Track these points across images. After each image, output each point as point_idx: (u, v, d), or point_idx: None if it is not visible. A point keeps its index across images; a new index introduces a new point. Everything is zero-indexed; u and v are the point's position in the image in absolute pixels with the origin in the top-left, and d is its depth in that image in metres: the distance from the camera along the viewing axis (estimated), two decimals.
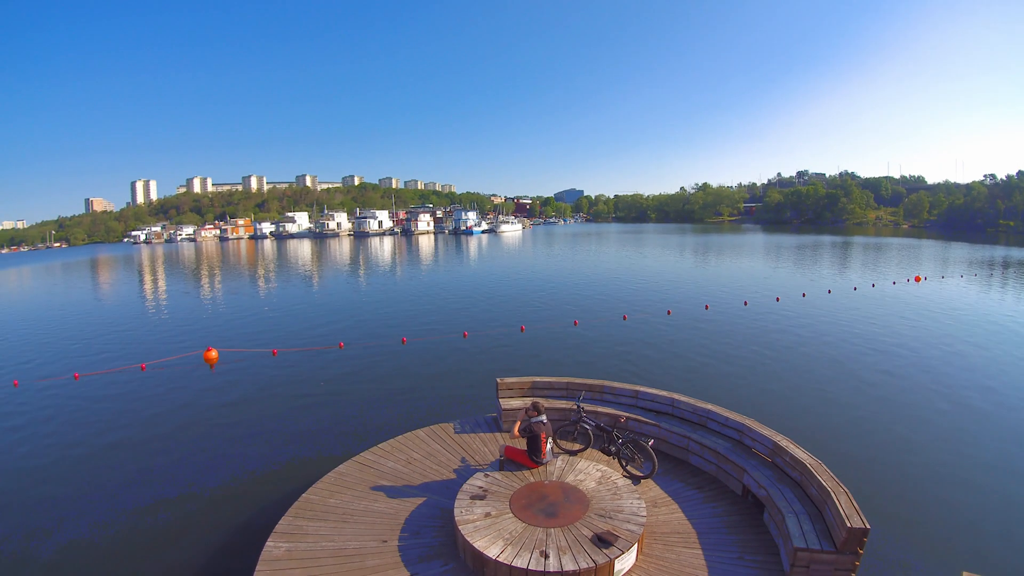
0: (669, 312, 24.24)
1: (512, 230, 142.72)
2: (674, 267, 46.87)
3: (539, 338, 20.32)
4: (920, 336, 19.63)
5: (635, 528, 6.24)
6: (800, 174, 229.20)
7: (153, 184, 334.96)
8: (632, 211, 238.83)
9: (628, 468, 8.22)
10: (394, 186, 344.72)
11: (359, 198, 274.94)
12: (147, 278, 55.63)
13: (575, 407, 9.23)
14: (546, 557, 5.78)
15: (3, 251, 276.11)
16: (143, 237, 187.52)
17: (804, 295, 28.16)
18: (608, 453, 8.62)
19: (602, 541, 5.97)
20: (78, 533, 8.71)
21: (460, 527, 6.36)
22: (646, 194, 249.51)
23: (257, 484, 10.06)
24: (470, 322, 23.78)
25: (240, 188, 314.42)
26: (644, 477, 8.02)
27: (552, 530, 6.28)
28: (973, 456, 10.54)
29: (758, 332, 20.58)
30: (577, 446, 9.07)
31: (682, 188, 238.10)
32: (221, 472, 10.59)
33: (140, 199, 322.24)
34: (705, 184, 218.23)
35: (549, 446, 7.91)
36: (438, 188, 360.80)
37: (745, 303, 26.21)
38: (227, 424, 13.05)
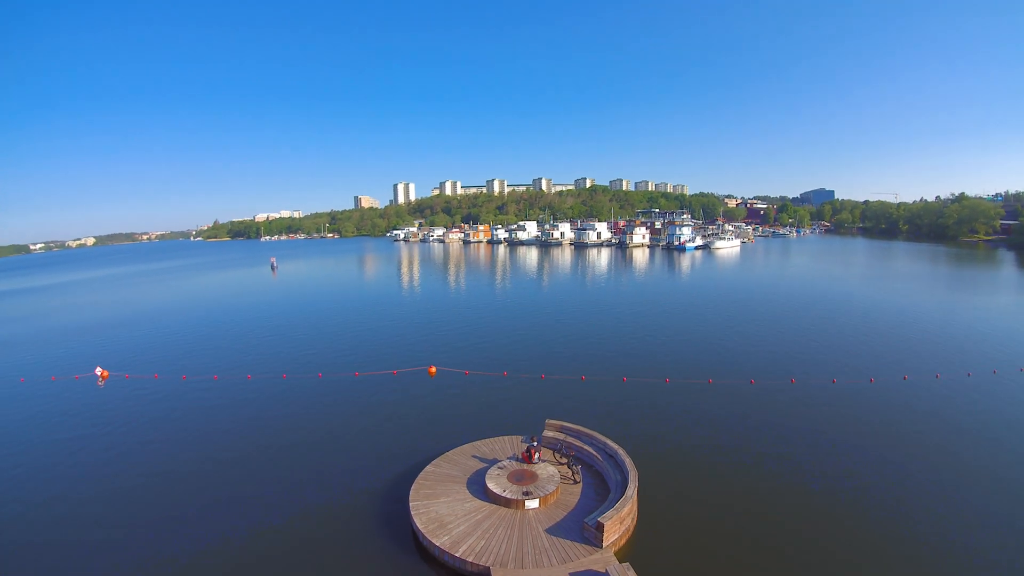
0: (872, 380, 29.64)
1: (728, 247, 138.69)
2: (902, 315, 46.82)
3: (763, 392, 29.32)
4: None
5: (542, 493, 16.80)
6: None
7: (412, 186, 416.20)
8: (880, 221, 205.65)
9: (574, 475, 18.33)
10: (624, 187, 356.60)
11: (588, 201, 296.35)
12: (411, 280, 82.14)
13: (561, 440, 19.65)
14: (503, 491, 16.90)
15: (282, 237, 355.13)
16: (402, 236, 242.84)
17: (938, 375, 28.91)
18: (569, 467, 18.81)
19: (526, 493, 16.76)
20: (346, 459, 23.29)
21: (486, 476, 17.94)
22: (896, 201, 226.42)
23: (427, 445, 23.16)
24: (592, 366, 33.91)
25: (484, 191, 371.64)
26: (578, 481, 18.04)
27: (513, 485, 17.35)
28: None
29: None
30: (564, 460, 19.46)
31: (937, 197, 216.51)
32: (422, 434, 24.30)
33: (401, 199, 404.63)
34: (962, 194, 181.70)
35: (537, 455, 18.72)
36: (668, 189, 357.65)
37: (939, 375, 29.50)
38: (429, 412, 27.17)
